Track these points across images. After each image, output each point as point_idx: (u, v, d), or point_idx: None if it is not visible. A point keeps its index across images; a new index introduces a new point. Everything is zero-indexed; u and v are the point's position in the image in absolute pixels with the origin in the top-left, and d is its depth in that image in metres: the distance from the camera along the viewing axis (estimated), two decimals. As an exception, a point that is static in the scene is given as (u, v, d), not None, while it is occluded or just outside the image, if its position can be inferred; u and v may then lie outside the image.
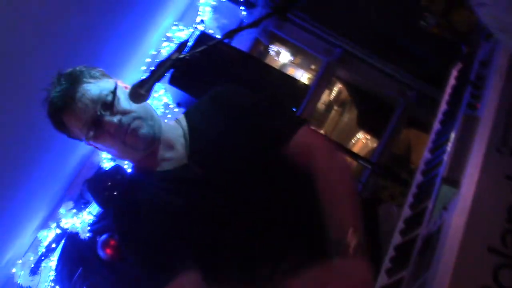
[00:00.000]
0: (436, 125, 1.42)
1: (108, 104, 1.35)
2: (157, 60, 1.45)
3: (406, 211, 1.23)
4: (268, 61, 4.92)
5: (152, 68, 1.26)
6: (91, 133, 1.36)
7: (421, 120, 3.71)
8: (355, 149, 5.64)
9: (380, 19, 2.74)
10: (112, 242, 2.89)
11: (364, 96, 4.02)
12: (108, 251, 2.89)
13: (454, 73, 1.54)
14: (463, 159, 0.94)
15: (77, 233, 2.96)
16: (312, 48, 3.44)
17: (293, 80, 2.86)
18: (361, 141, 7.58)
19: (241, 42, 3.15)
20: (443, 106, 1.45)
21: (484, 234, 0.76)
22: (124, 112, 1.36)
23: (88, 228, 2.98)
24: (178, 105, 2.89)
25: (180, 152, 1.44)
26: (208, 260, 1.34)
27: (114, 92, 1.37)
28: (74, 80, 1.36)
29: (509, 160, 0.86)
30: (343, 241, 1.16)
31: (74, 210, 2.99)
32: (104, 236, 2.92)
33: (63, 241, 3.03)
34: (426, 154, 1.34)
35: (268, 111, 1.49)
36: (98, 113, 1.34)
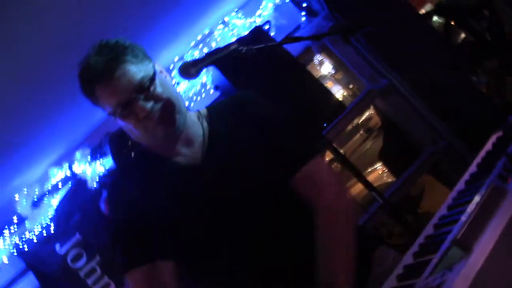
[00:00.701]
0: (461, 184, 1.42)
1: (145, 88, 1.35)
2: (208, 40, 1.47)
3: (408, 258, 1.24)
4: (309, 67, 4.93)
5: (208, 52, 1.29)
6: (119, 111, 1.35)
7: (442, 171, 3.70)
8: (369, 178, 5.62)
9: (435, 64, 2.74)
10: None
11: (394, 131, 4.00)
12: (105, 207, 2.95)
13: (494, 139, 1.54)
14: (481, 226, 0.95)
15: (85, 181, 3.02)
16: (358, 70, 3.43)
17: (331, 96, 2.87)
18: (378, 172, 7.57)
19: (292, 46, 3.17)
20: (473, 168, 1.45)
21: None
22: (157, 99, 1.37)
23: (97, 179, 3.03)
24: (216, 88, 2.92)
25: (196, 152, 1.47)
26: (190, 260, 1.39)
27: (152, 78, 1.37)
28: (117, 56, 1.34)
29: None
30: (331, 287, 1.20)
31: (89, 158, 3.05)
32: (104, 194, 2.98)
33: (70, 184, 3.09)
34: (443, 210, 1.35)
35: (287, 132, 1.50)
36: (133, 96, 1.34)
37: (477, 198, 1.17)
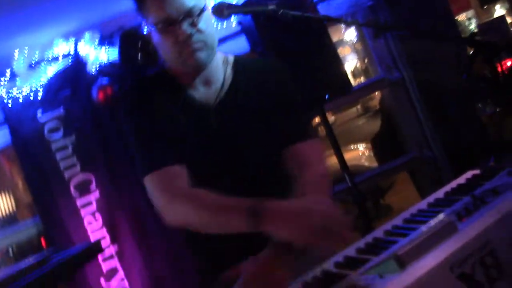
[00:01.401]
0: (423, 204, 1.51)
1: (193, 16, 1.43)
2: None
3: (351, 251, 1.34)
4: (333, 28, 4.84)
5: (246, 1, 1.32)
6: (162, 26, 1.43)
7: (418, 175, 3.81)
8: (348, 155, 5.67)
9: (450, 78, 2.77)
10: (109, 90, 3.00)
11: (391, 123, 4.09)
12: (101, 94, 3.00)
13: (469, 174, 1.62)
14: (422, 251, 1.04)
15: (85, 63, 3.05)
16: (377, 55, 3.45)
17: (342, 70, 2.86)
18: (358, 152, 7.67)
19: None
20: (439, 193, 1.54)
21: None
22: (199, 31, 1.44)
23: (97, 66, 3.06)
24: (239, 23, 2.91)
25: (211, 94, 1.55)
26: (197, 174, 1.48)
27: (202, 9, 1.45)
28: None
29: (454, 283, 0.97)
30: None
31: (97, 42, 3.06)
32: (106, 80, 3.02)
33: (70, 60, 3.11)
34: (399, 220, 1.44)
35: (294, 109, 1.62)
36: (181, 17, 1.41)
37: (431, 224, 1.26)
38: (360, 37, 3.96)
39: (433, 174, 3.41)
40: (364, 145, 7.96)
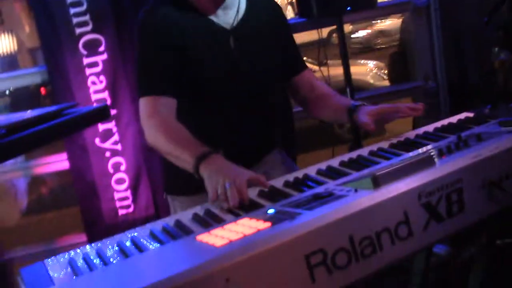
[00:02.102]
0: (411, 134, 1.59)
1: None
2: None
3: (335, 162, 1.45)
4: None
5: None
6: None
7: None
8: (355, 69, 5.64)
9: (472, 19, 2.73)
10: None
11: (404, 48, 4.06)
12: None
13: (463, 115, 1.69)
14: (398, 176, 1.14)
15: None
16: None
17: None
18: (367, 67, 7.61)
19: None
20: (429, 127, 1.62)
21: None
22: None
23: None
24: None
25: (229, 18, 1.69)
26: (192, 99, 1.68)
27: None
28: None
29: (418, 209, 1.08)
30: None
31: None
32: None
33: None
34: (385, 143, 1.54)
35: (293, 41, 1.90)
36: None
37: (411, 154, 1.36)
38: None
39: (432, 107, 3.46)
40: (374, 62, 7.90)
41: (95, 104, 3.11)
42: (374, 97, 3.58)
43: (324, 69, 3.40)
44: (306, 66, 1.91)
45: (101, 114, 1.06)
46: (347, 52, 3.08)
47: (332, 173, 1.37)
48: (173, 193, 1.86)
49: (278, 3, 1.91)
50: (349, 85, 2.95)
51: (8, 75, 3.53)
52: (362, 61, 8.05)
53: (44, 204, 6.09)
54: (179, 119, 1.63)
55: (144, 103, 1.62)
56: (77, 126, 1.02)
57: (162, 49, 1.62)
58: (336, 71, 3.61)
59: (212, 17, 1.67)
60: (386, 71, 7.39)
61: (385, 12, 3.79)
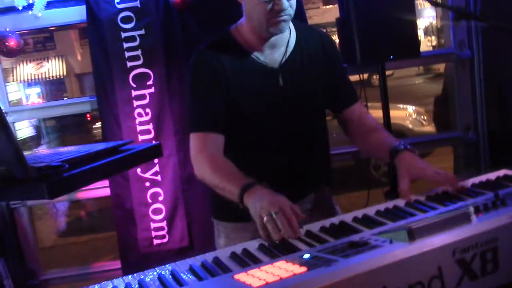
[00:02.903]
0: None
1: None
2: None
3: (371, 211, 1.48)
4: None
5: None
6: None
7: (456, 154, 3.84)
8: (394, 113, 5.69)
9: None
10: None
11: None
12: (178, -1, 3.07)
13: (502, 173, 1.69)
14: (434, 231, 1.16)
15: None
16: (454, 29, 3.38)
17: (415, 39, 2.87)
18: (406, 112, 7.59)
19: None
20: (468, 183, 1.63)
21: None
22: (291, 6, 1.64)
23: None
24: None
25: (277, 56, 1.76)
26: (236, 138, 1.76)
27: None
28: None
29: (452, 265, 1.10)
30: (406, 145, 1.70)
31: None
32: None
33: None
34: (422, 196, 1.56)
35: (345, 73, 1.94)
36: None
37: (448, 209, 1.38)
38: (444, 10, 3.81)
39: (471, 158, 3.45)
40: (413, 107, 7.87)
41: (139, 135, 3.23)
42: (414, 144, 3.57)
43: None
44: (357, 99, 1.94)
45: (155, 152, 1.13)
46: (387, 98, 3.12)
47: (368, 222, 1.40)
48: (218, 218, 1.94)
49: (329, 36, 1.94)
50: (388, 130, 2.96)
51: (60, 103, 3.72)
52: (402, 106, 8.04)
53: (82, 227, 6.24)
54: (227, 154, 1.71)
55: (194, 138, 1.72)
56: (133, 163, 1.10)
57: (212, 89, 1.72)
58: (375, 113, 3.64)
59: (259, 55, 1.75)
60: (425, 117, 7.35)
61: (428, 61, 3.83)
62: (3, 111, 0.91)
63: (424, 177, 1.60)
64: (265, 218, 1.33)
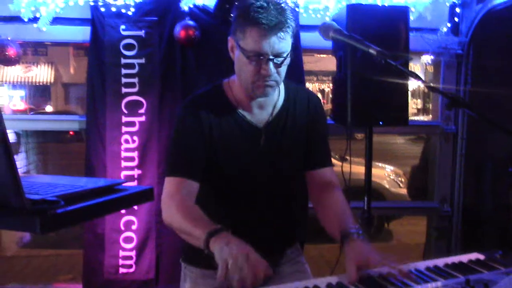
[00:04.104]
0: (422, 264, 1.65)
1: (279, 58, 1.61)
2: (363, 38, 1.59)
3: (343, 278, 1.51)
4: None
5: (353, 35, 1.44)
6: (252, 55, 1.60)
7: (429, 223, 3.90)
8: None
9: (501, 159, 2.82)
10: (191, 32, 3.14)
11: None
12: (182, 33, 3.14)
13: (473, 256, 1.74)
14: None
15: (181, -1, 3.17)
16: (442, 101, 3.50)
17: (405, 108, 2.97)
18: (384, 172, 7.69)
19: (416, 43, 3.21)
20: (440, 262, 1.67)
21: None
22: (278, 72, 1.64)
23: (191, 5, 3.19)
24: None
25: (263, 116, 1.79)
26: (212, 188, 1.79)
27: (288, 54, 1.62)
28: (286, 21, 1.58)
29: None
30: (356, 231, 1.62)
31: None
32: (191, 22, 3.16)
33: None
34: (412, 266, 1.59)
35: (324, 138, 1.92)
36: (271, 56, 1.59)
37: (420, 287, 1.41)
38: (436, 65, 3.94)
39: (444, 230, 3.52)
40: (392, 167, 7.99)
41: (123, 161, 3.24)
42: (390, 209, 3.65)
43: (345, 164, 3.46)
44: (329, 164, 1.92)
45: (148, 195, 1.15)
46: (371, 160, 3.18)
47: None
48: (186, 261, 1.94)
49: (317, 97, 1.97)
50: (367, 195, 3.02)
51: (46, 118, 3.70)
52: (380, 164, 8.15)
53: (46, 240, 6.10)
54: (201, 204, 1.70)
55: (169, 182, 1.73)
56: (126, 204, 1.11)
57: (194, 138, 1.74)
58: (354, 168, 3.69)
59: (246, 114, 1.78)
60: (402, 179, 7.46)
61: (414, 130, 3.96)
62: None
63: (370, 265, 1.57)
64: (230, 262, 1.32)
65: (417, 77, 1.51)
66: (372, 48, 1.43)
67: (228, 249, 1.37)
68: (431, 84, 1.51)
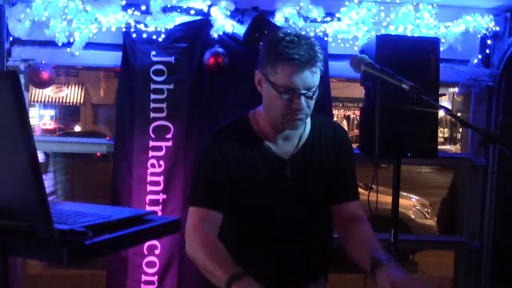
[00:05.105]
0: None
1: (310, 92, 1.62)
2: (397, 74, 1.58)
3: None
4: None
5: (385, 69, 1.42)
6: (283, 90, 1.61)
7: (457, 256, 3.79)
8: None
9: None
10: (220, 59, 3.17)
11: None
12: (212, 60, 3.18)
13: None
14: None
15: (211, 26, 3.21)
16: (473, 136, 3.44)
17: (434, 141, 2.92)
18: (410, 202, 7.55)
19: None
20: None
21: None
22: (308, 105, 1.65)
23: (221, 33, 3.22)
24: (362, 52, 3.00)
25: (288, 148, 1.78)
26: (236, 222, 1.78)
27: (318, 87, 1.63)
28: (316, 56, 1.60)
29: None
30: (387, 258, 1.61)
31: (229, 13, 3.21)
32: (222, 50, 3.19)
33: (199, 17, 3.27)
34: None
35: (351, 172, 1.91)
36: (303, 91, 1.60)
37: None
38: (466, 96, 3.89)
39: (472, 265, 3.42)
40: (417, 197, 7.85)
41: (148, 186, 3.25)
42: (417, 242, 3.57)
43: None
44: (356, 197, 1.91)
45: (175, 226, 1.14)
46: (398, 191, 3.13)
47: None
48: None
49: (344, 129, 1.97)
50: (394, 227, 2.96)
51: (76, 140, 3.77)
52: (405, 194, 8.02)
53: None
54: (224, 236, 1.70)
55: (192, 213, 1.73)
56: (153, 236, 1.10)
57: (218, 169, 1.74)
58: (380, 198, 3.63)
59: (272, 145, 1.78)
60: (428, 210, 7.32)
61: (443, 162, 3.89)
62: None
63: (407, 286, 1.55)
64: None
65: (450, 112, 1.48)
66: (405, 83, 1.42)
67: None
68: (464, 120, 1.48)
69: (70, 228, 0.98)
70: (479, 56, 3.33)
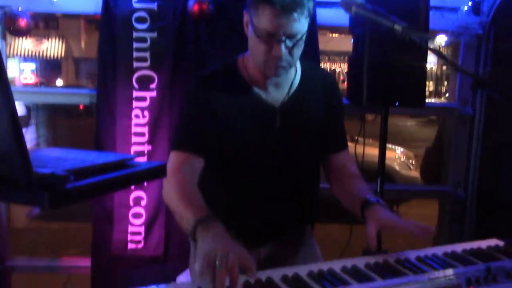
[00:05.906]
0: (439, 250, 1.60)
1: (293, 40, 1.55)
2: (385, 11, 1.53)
3: (361, 262, 1.46)
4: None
5: (376, 9, 1.37)
6: (264, 35, 1.54)
7: (442, 206, 3.85)
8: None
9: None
10: (204, 7, 3.06)
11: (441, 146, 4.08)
12: (196, 7, 3.07)
13: (492, 242, 1.69)
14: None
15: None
16: (461, 81, 3.40)
17: (423, 90, 2.89)
18: (395, 154, 7.62)
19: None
20: (458, 247, 1.62)
21: None
22: (290, 53, 1.57)
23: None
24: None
25: (279, 95, 1.73)
26: (220, 168, 1.74)
27: (302, 36, 1.56)
28: (302, 3, 1.51)
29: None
30: (377, 199, 1.67)
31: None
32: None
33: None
34: (412, 255, 1.55)
35: (341, 119, 1.91)
36: (283, 37, 1.53)
37: (440, 274, 1.37)
38: (453, 47, 3.83)
39: (457, 215, 3.46)
40: (402, 149, 7.92)
41: (133, 136, 3.20)
42: (402, 192, 3.60)
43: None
44: (345, 147, 1.93)
45: (159, 171, 1.10)
46: (385, 142, 3.13)
47: (357, 275, 1.39)
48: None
49: (333, 77, 1.94)
50: (381, 176, 2.98)
51: (57, 91, 3.67)
52: (391, 146, 8.08)
53: (55, 213, 6.14)
54: (209, 186, 1.68)
55: (174, 156, 1.69)
56: (137, 180, 1.06)
57: (204, 115, 1.69)
58: (366, 149, 3.62)
59: (261, 92, 1.72)
60: (413, 161, 7.40)
61: (431, 112, 3.87)
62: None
63: (393, 226, 1.58)
64: (205, 263, 1.20)
65: (441, 55, 1.44)
66: (398, 23, 1.37)
67: (210, 244, 1.27)
68: (455, 63, 1.44)
69: (50, 172, 0.93)
70: (469, 3, 3.26)
